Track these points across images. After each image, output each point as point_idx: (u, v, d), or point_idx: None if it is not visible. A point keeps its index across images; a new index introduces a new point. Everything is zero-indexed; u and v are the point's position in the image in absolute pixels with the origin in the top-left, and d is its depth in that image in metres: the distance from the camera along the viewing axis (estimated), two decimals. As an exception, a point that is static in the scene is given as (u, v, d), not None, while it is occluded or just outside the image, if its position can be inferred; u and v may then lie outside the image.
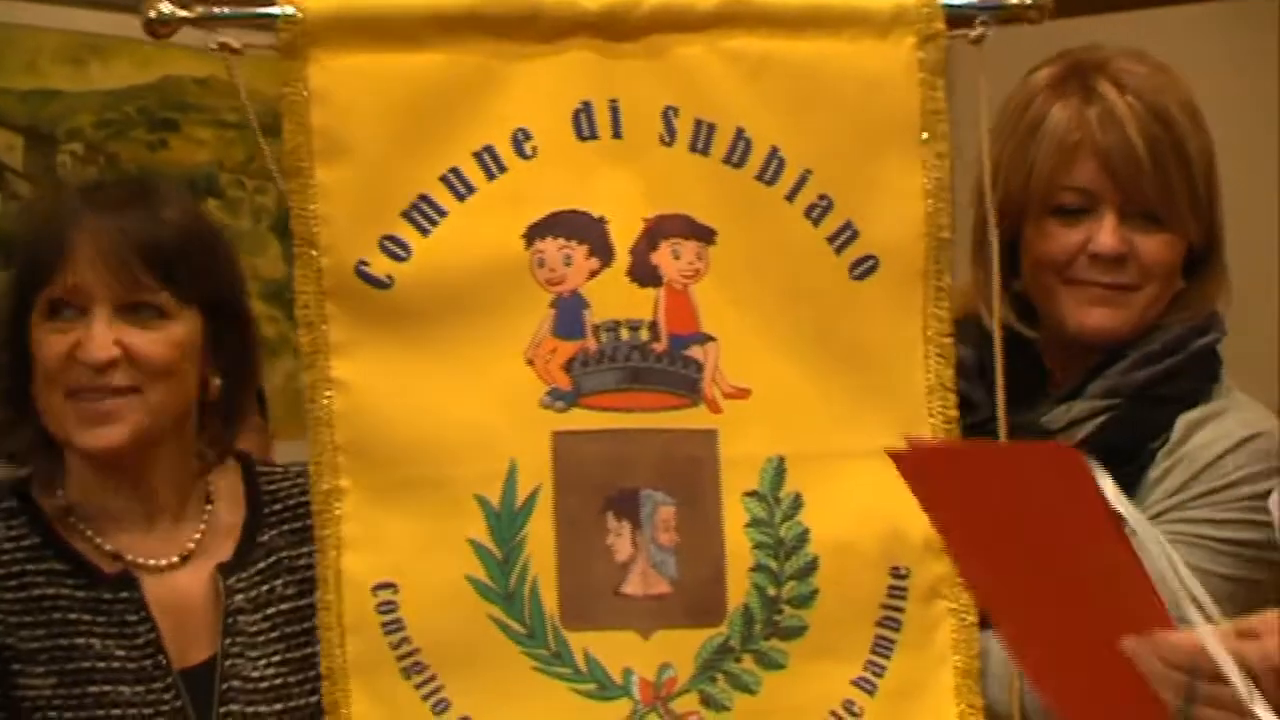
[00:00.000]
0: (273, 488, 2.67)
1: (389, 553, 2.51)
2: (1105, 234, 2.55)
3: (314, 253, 2.46)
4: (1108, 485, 1.74)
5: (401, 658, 2.49)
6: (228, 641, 2.36)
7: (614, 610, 2.48)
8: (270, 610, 2.45)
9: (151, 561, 2.37)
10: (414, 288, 2.47)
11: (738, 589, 2.44)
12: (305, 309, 2.46)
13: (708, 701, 2.44)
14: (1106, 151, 2.54)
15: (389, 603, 2.49)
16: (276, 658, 2.48)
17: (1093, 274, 2.59)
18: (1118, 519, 1.76)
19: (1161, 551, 1.86)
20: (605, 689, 2.46)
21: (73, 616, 2.46)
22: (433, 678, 2.50)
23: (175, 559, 2.39)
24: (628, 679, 2.46)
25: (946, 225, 2.43)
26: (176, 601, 2.39)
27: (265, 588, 2.51)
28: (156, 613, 2.36)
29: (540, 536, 2.44)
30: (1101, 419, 2.61)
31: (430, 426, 2.52)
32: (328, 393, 2.48)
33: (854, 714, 2.47)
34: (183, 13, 2.45)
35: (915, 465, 1.97)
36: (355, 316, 2.49)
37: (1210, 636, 1.72)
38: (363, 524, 2.51)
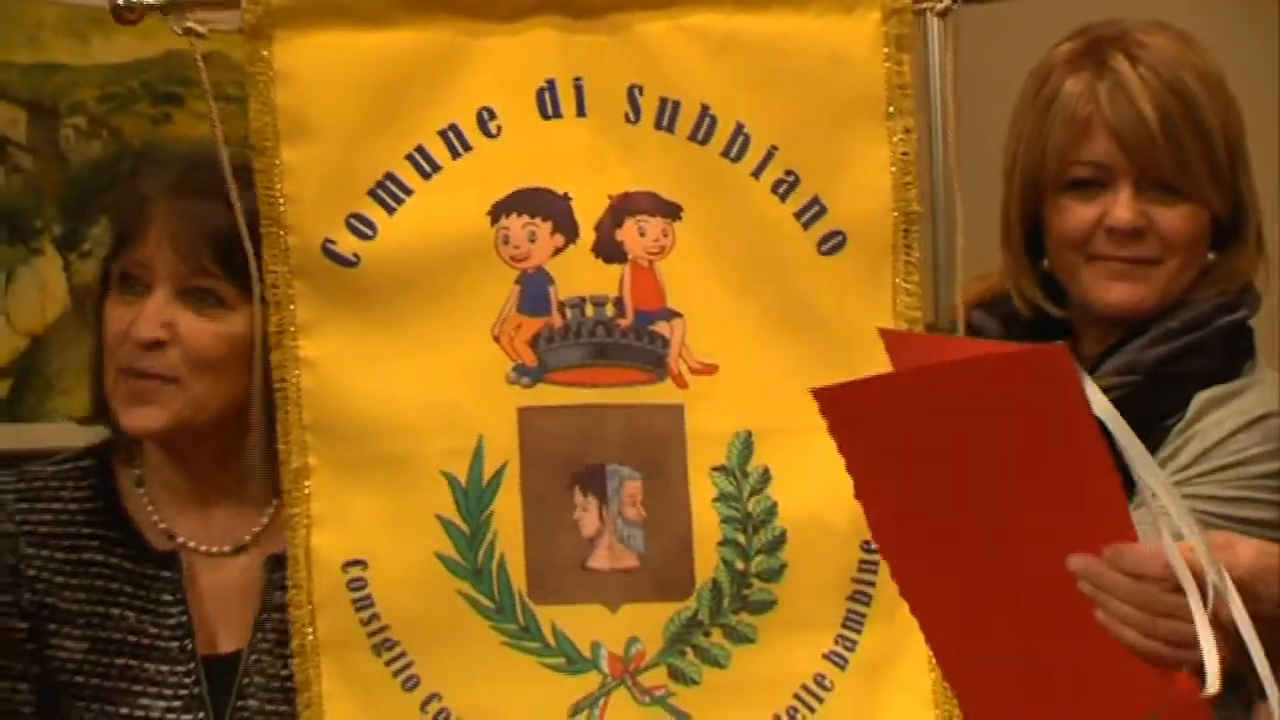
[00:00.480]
0: None
1: (358, 530, 2.51)
2: (1120, 207, 2.55)
3: (281, 232, 2.46)
4: (1095, 393, 1.69)
5: (372, 634, 2.52)
6: (258, 636, 2.40)
7: (581, 585, 2.49)
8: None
9: (203, 547, 2.41)
10: (380, 266, 2.48)
11: (706, 563, 2.43)
12: (274, 288, 2.47)
13: (676, 675, 2.44)
14: (1118, 124, 2.54)
15: (359, 579, 2.49)
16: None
17: (1111, 248, 2.59)
18: (1098, 433, 1.67)
19: (1143, 463, 1.76)
20: (574, 663, 2.48)
21: (114, 586, 2.49)
22: (402, 654, 2.52)
23: (227, 548, 2.43)
24: (596, 653, 2.47)
25: (914, 199, 2.39)
26: (219, 589, 2.43)
27: None
28: (194, 597, 2.39)
29: (507, 512, 2.45)
30: (1115, 395, 2.25)
31: (397, 404, 2.53)
32: (295, 371, 2.50)
33: (824, 688, 2.45)
34: None
35: (845, 406, 1.87)
36: (322, 295, 2.50)
37: (1174, 548, 1.72)
38: (331, 502, 2.51)
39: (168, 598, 2.39)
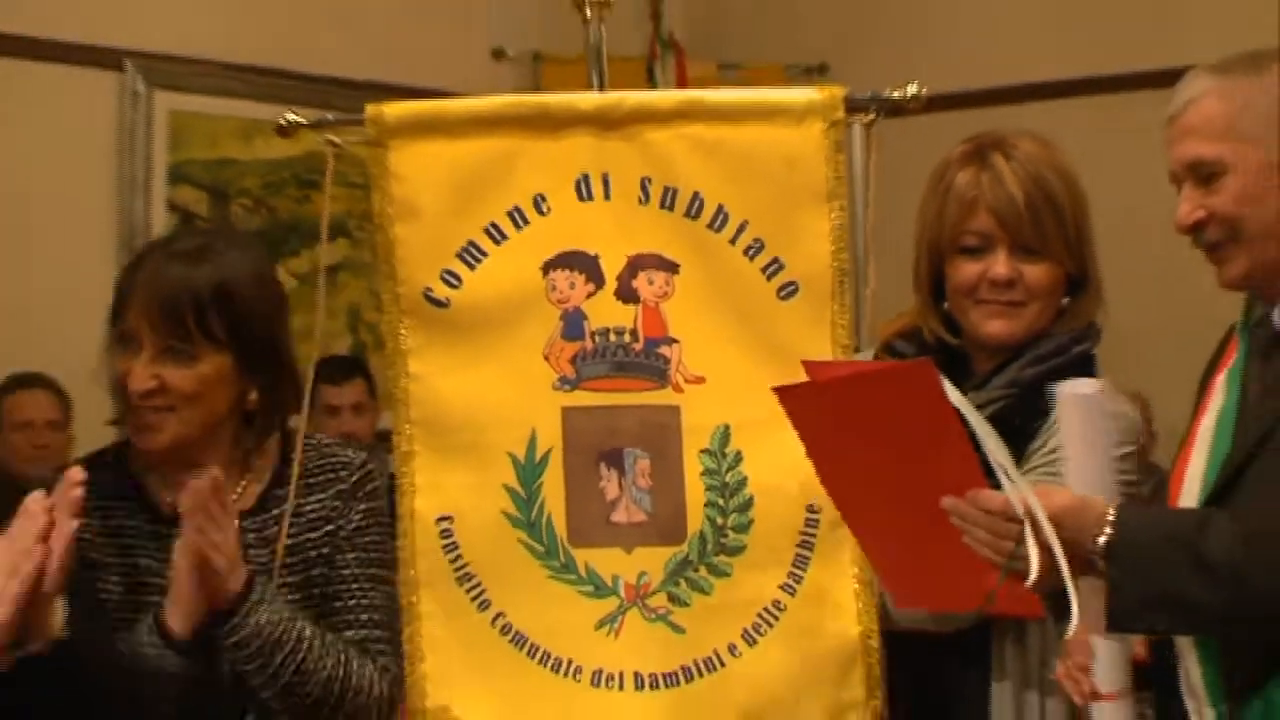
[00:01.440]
0: (304, 455, 2.69)
1: (446, 495, 2.71)
2: (998, 265, 2.61)
3: (394, 284, 2.70)
4: (950, 389, 2.05)
5: (456, 570, 2.71)
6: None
7: (606, 534, 2.66)
8: (275, 545, 2.51)
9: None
10: (465, 307, 2.66)
11: (695, 519, 2.59)
12: (389, 324, 2.74)
13: (673, 599, 2.61)
14: (995, 205, 2.60)
15: (447, 530, 2.70)
16: (277, 580, 2.53)
17: (992, 295, 2.64)
18: (958, 417, 2.07)
19: (1001, 459, 2.11)
20: (599, 590, 2.65)
21: (139, 542, 2.56)
22: (478, 585, 2.70)
23: None
24: (615, 583, 2.64)
25: (845, 260, 2.55)
26: None
27: (275, 528, 2.57)
28: None
29: (553, 482, 2.64)
30: (1002, 403, 2.64)
31: (475, 405, 2.70)
32: (404, 382, 2.71)
33: (780, 609, 2.59)
34: (301, 120, 2.78)
35: (796, 400, 2.23)
36: (423, 328, 2.69)
37: (1015, 489, 2.09)
38: (428, 475, 2.72)
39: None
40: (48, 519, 2.10)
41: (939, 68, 5.63)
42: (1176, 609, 2.21)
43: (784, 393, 2.15)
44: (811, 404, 2.19)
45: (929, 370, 2.04)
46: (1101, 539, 2.12)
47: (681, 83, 5.99)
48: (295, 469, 2.58)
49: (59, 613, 2.16)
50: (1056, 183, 2.59)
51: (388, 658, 2.62)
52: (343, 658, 2.53)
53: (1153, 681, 2.47)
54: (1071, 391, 2.28)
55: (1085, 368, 2.59)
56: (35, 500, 2.10)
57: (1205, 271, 2.45)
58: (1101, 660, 2.32)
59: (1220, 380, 2.45)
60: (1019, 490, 2.07)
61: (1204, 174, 2.31)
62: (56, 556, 2.09)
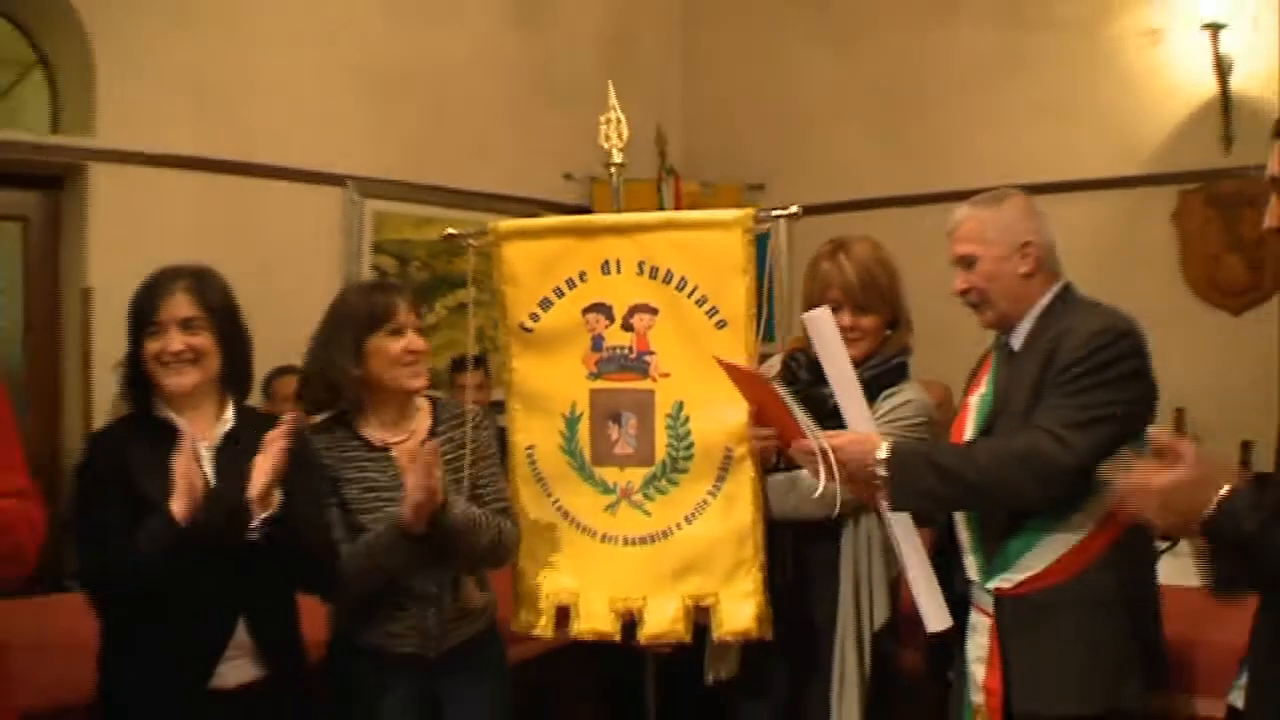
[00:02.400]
0: (446, 411, 2.71)
1: (530, 433, 2.90)
2: (845, 318, 2.68)
3: (504, 319, 2.89)
4: (781, 389, 2.41)
5: (536, 477, 2.88)
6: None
7: (612, 459, 2.83)
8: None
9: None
10: (540, 332, 2.85)
11: (660, 452, 2.78)
12: (501, 340, 2.93)
13: (646, 496, 2.78)
14: (841, 284, 2.72)
15: (530, 454, 2.90)
16: (454, 477, 2.57)
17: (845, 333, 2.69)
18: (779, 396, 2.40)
19: (806, 422, 2.35)
20: (606, 490, 2.83)
21: (362, 463, 2.60)
22: (547, 485, 2.88)
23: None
24: (615, 486, 2.82)
25: (755, 306, 2.61)
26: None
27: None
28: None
29: (584, 429, 2.83)
30: None
31: (544, 386, 2.88)
32: (508, 375, 2.93)
33: (706, 505, 2.72)
34: (454, 232, 2.93)
35: (731, 373, 2.50)
36: (519, 344, 2.89)
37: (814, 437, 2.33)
38: (520, 423, 2.92)
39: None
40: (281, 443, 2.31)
41: (828, 182, 5.81)
42: (924, 497, 2.36)
43: (724, 365, 2.51)
44: (732, 374, 2.52)
45: (747, 370, 2.50)
46: (881, 457, 2.33)
47: (678, 195, 5.90)
48: (469, 418, 2.69)
49: (276, 498, 2.28)
50: (877, 268, 2.71)
51: (510, 519, 2.72)
52: (496, 522, 2.64)
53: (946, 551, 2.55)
54: (809, 315, 2.50)
55: (901, 371, 2.76)
56: (271, 435, 2.28)
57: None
58: (925, 596, 2.45)
59: (984, 376, 2.57)
60: (815, 437, 2.38)
61: (966, 262, 2.47)
62: (276, 463, 2.27)
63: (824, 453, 2.34)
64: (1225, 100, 4.68)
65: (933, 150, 5.59)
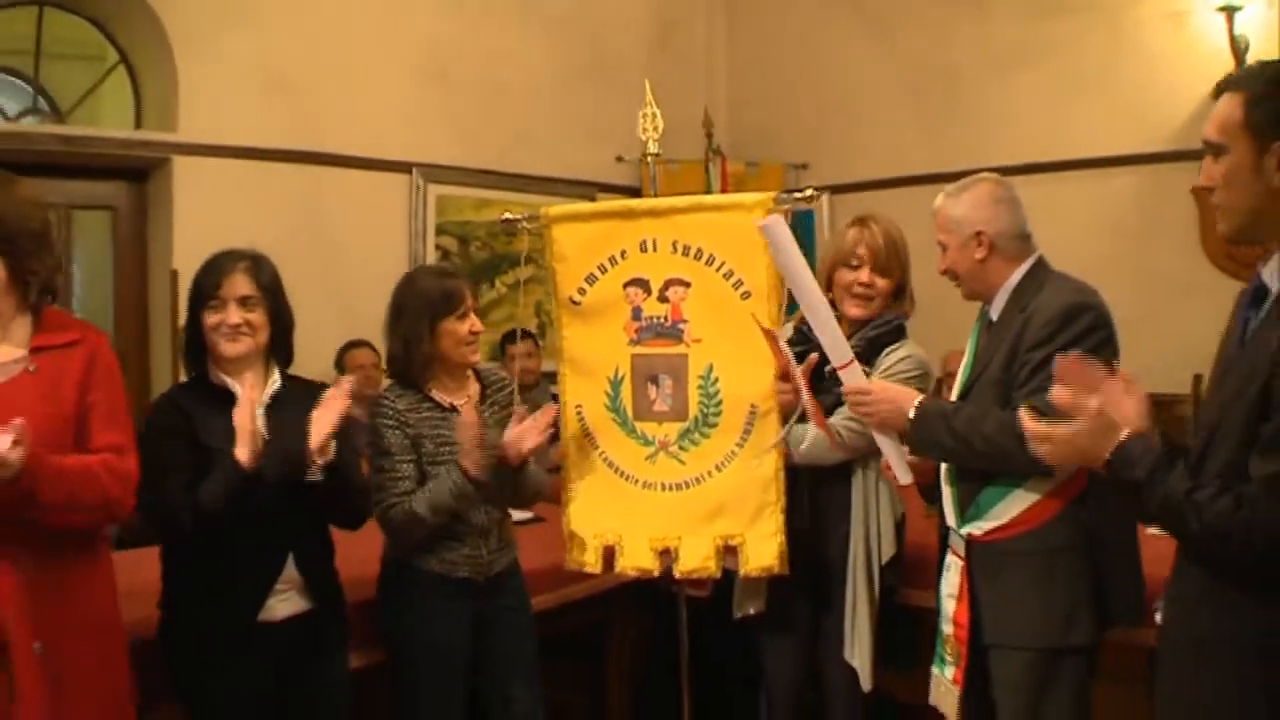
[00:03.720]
0: (489, 379, 3.09)
1: (578, 393, 3.16)
2: (863, 275, 3.01)
3: (555, 293, 3.18)
4: (782, 341, 2.73)
5: (585, 434, 3.17)
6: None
7: (651, 415, 3.09)
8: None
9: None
10: (587, 305, 3.11)
11: (693, 409, 3.03)
12: (554, 313, 3.21)
13: (681, 448, 3.04)
14: (870, 243, 3.00)
15: (579, 411, 3.17)
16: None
17: (856, 290, 3.03)
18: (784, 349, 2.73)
19: (797, 374, 2.70)
20: (647, 442, 3.10)
21: (433, 421, 2.94)
22: (594, 439, 3.15)
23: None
24: (653, 439, 3.09)
25: (776, 278, 2.79)
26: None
27: (488, 410, 2.98)
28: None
29: (626, 390, 3.09)
30: (858, 349, 2.86)
31: (591, 353, 3.14)
32: (559, 343, 3.20)
33: (733, 455, 2.97)
34: (510, 216, 3.17)
35: (765, 334, 2.75)
36: (569, 315, 3.16)
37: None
38: (571, 385, 3.18)
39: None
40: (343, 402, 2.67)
41: (867, 161, 6.12)
42: (935, 448, 2.63)
43: (757, 322, 2.75)
44: (765, 334, 2.75)
45: (770, 331, 2.76)
46: (911, 413, 2.60)
47: (724, 176, 6.13)
48: (515, 383, 3.14)
49: (332, 448, 2.61)
50: (899, 239, 3.02)
51: (540, 468, 3.12)
52: (538, 473, 3.07)
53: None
54: (764, 223, 2.68)
55: (900, 331, 3.04)
56: (331, 393, 2.63)
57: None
58: (894, 459, 2.73)
59: (969, 343, 2.83)
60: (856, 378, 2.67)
61: (942, 247, 2.73)
62: (336, 418, 2.60)
63: (809, 405, 2.72)
64: (1242, 81, 4.93)
65: (966, 129, 5.81)
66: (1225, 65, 4.74)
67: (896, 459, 2.71)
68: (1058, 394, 1.95)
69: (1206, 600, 1.87)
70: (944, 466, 2.72)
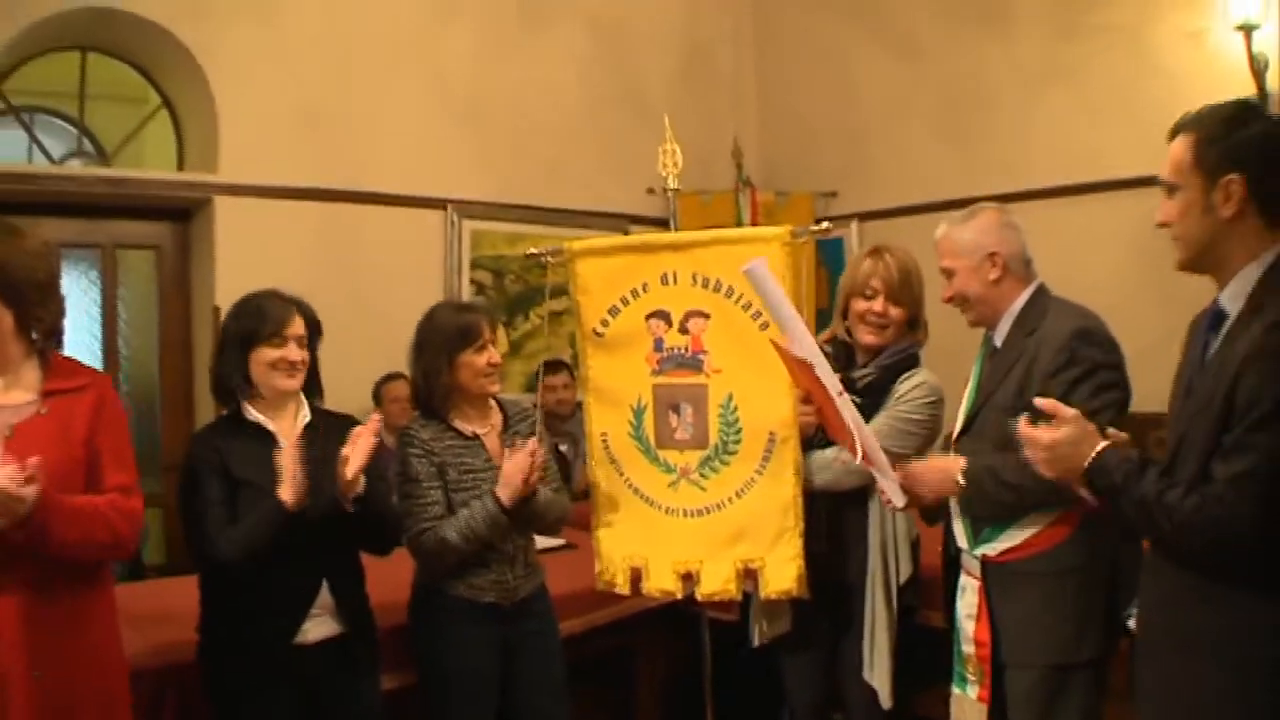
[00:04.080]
0: (511, 410, 3.18)
1: (603, 422, 3.26)
2: (877, 305, 3.06)
3: (580, 325, 3.27)
4: (823, 367, 2.67)
5: (610, 459, 3.26)
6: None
7: (673, 443, 3.17)
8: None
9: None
10: (610, 337, 3.20)
11: (713, 437, 3.11)
12: (579, 344, 3.29)
13: (702, 475, 3.12)
14: (885, 275, 3.05)
15: (604, 439, 3.27)
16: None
17: (870, 320, 3.08)
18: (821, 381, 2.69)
19: (849, 410, 2.66)
20: (668, 469, 3.19)
21: (457, 450, 3.05)
22: (619, 466, 3.25)
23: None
24: (675, 467, 3.17)
25: (799, 310, 2.79)
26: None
27: (511, 440, 3.05)
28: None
29: (649, 419, 3.18)
30: (872, 376, 3.04)
31: (615, 383, 3.23)
32: (585, 373, 3.30)
33: (753, 483, 3.04)
34: (536, 251, 3.29)
35: (783, 356, 2.77)
36: (593, 347, 3.26)
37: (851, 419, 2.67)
38: (596, 414, 3.28)
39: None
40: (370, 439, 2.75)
41: (895, 187, 6.14)
42: (996, 505, 2.62)
43: (777, 348, 2.77)
44: (783, 357, 2.77)
45: (796, 356, 2.72)
46: (960, 483, 2.62)
47: (754, 205, 6.19)
48: (539, 413, 3.18)
49: (362, 481, 2.70)
50: (914, 270, 3.07)
51: (564, 496, 3.25)
52: (560, 500, 3.17)
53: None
54: (747, 267, 2.72)
55: (914, 359, 3.09)
56: (359, 430, 2.72)
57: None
58: (885, 483, 2.77)
59: (973, 371, 2.86)
60: (848, 410, 2.69)
61: (947, 273, 2.80)
62: (366, 454, 2.71)
63: (854, 431, 2.65)
64: (1262, 97, 4.75)
65: (992, 154, 5.85)
66: (1244, 83, 4.76)
67: (889, 482, 2.77)
68: (1040, 402, 2.09)
69: (1191, 598, 1.97)
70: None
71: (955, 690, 2.80)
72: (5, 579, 2.25)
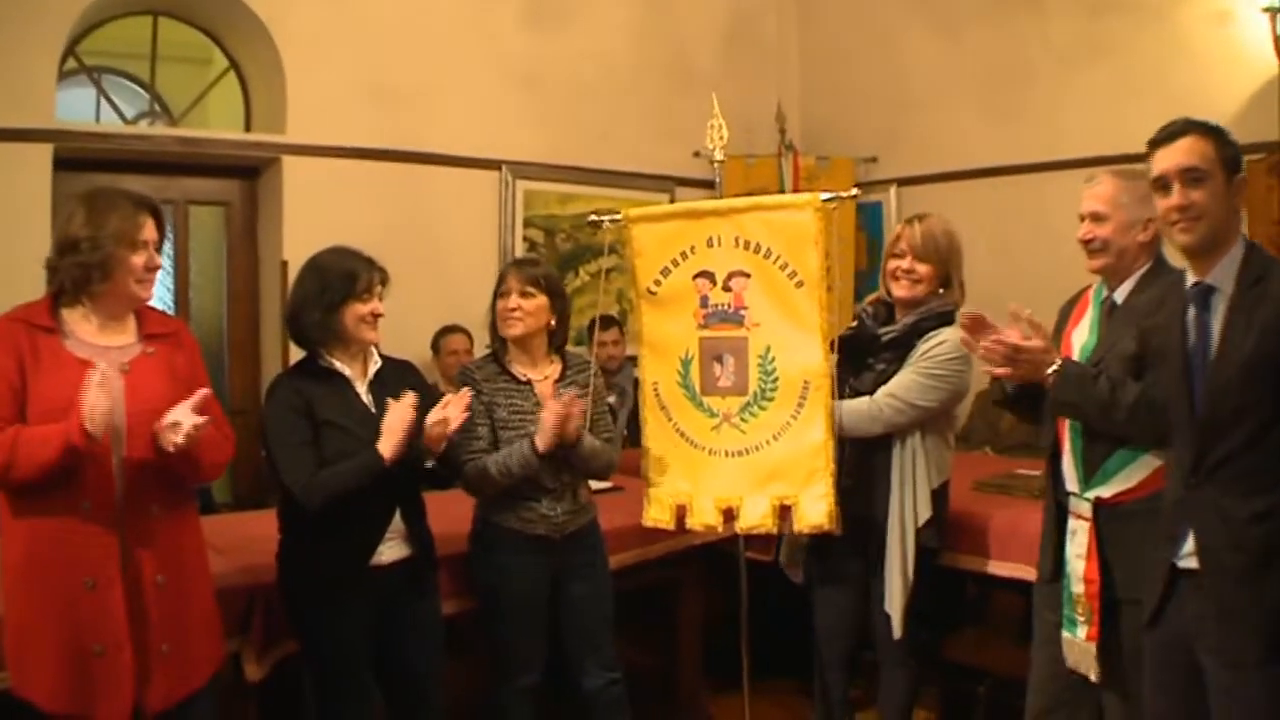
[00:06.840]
0: (571, 360, 3.39)
1: (655, 371, 3.57)
2: (907, 262, 3.36)
3: (635, 284, 3.58)
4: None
5: (660, 406, 3.58)
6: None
7: (716, 390, 3.47)
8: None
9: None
10: (662, 294, 3.51)
11: (753, 385, 3.40)
12: (634, 301, 3.60)
13: (743, 419, 3.40)
14: (909, 236, 3.35)
15: (655, 388, 3.59)
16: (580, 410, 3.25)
17: (901, 275, 3.36)
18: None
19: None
20: (712, 416, 3.48)
21: (510, 393, 3.29)
22: (668, 412, 3.55)
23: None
24: (718, 412, 3.47)
25: (831, 270, 3.19)
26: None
27: (567, 388, 3.27)
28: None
29: (695, 369, 3.48)
30: (897, 332, 3.30)
31: (666, 337, 3.53)
32: (639, 328, 3.62)
33: (788, 426, 3.32)
34: (595, 217, 3.57)
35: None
36: (646, 304, 3.57)
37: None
38: (648, 365, 3.59)
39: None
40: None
41: (934, 154, 6.46)
42: (1069, 407, 2.78)
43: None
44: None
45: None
46: (1052, 370, 2.73)
47: (795, 169, 6.42)
48: (594, 364, 3.45)
49: (443, 446, 3.00)
50: (939, 232, 3.32)
51: (614, 446, 3.49)
52: (608, 449, 3.40)
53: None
54: None
55: (944, 319, 3.29)
56: (452, 399, 2.98)
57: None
58: None
59: (1081, 320, 2.94)
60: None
61: (1096, 217, 2.87)
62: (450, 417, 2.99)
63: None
64: (1285, 77, 5.29)
65: (1027, 125, 6.14)
66: (1269, 64, 5.01)
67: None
68: (1017, 307, 2.57)
69: (1256, 521, 2.32)
70: (1069, 434, 2.88)
71: (1065, 634, 2.88)
72: (147, 498, 2.59)
